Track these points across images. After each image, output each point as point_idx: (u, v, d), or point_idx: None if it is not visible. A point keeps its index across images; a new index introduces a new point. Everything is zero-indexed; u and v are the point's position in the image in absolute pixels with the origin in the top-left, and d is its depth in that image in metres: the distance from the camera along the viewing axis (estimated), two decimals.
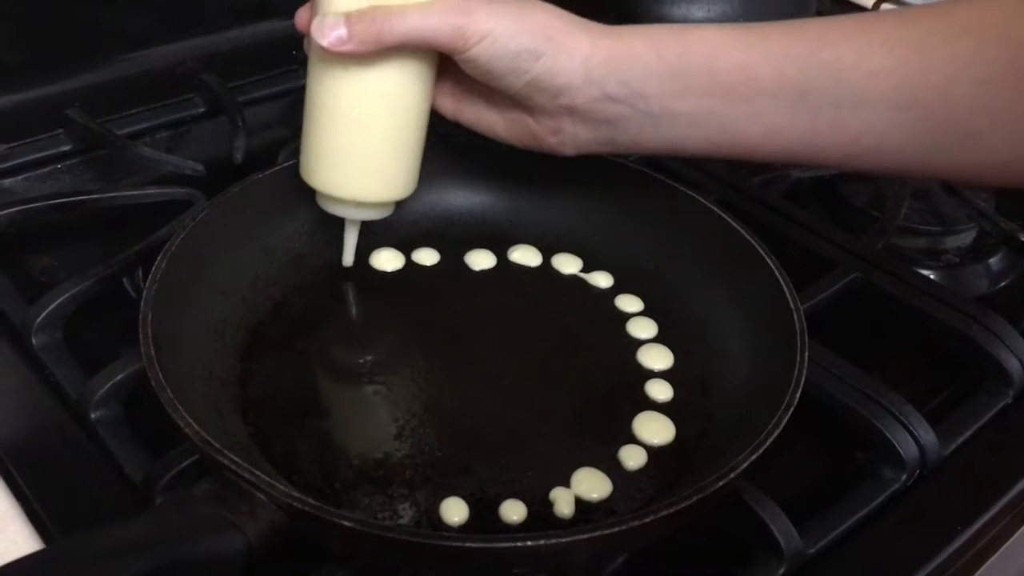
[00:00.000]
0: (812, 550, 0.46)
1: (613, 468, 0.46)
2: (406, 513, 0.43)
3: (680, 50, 0.46)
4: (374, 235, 0.57)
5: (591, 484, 0.45)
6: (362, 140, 0.50)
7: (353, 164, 0.50)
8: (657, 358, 0.52)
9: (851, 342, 0.56)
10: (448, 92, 0.52)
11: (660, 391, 0.50)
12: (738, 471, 0.40)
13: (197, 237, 0.50)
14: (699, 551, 0.48)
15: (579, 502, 0.45)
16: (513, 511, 0.43)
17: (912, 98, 0.44)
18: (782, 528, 0.45)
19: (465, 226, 0.58)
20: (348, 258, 0.55)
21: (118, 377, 0.49)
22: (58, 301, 0.53)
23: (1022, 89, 0.42)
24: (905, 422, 0.51)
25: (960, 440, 0.52)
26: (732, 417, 0.48)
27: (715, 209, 0.55)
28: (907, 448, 0.50)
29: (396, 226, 0.57)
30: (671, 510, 0.38)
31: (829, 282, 0.59)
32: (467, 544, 0.37)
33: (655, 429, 0.48)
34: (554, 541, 0.37)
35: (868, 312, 0.60)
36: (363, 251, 0.57)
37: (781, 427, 0.42)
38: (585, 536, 0.37)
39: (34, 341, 0.53)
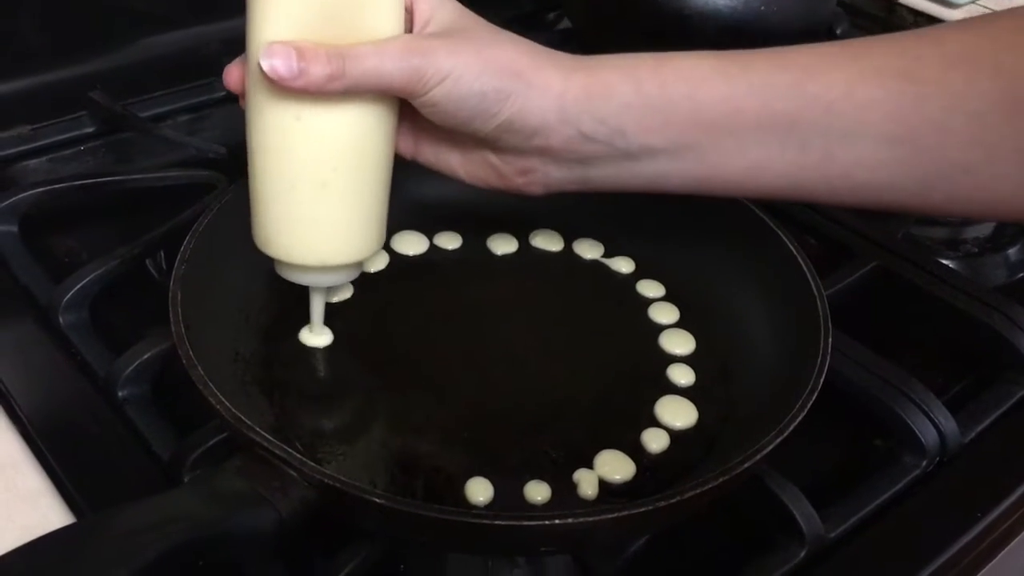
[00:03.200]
0: (833, 534, 0.47)
1: (636, 451, 0.46)
2: (431, 492, 0.44)
3: (659, 82, 0.43)
4: (398, 218, 0.57)
5: (614, 466, 0.45)
6: (321, 201, 0.44)
7: (314, 228, 0.45)
8: (679, 343, 0.52)
9: (871, 330, 0.56)
10: (406, 130, 0.47)
11: (682, 375, 0.50)
12: (763, 454, 0.40)
13: (224, 219, 0.50)
14: (721, 534, 0.49)
15: (602, 484, 0.45)
16: (537, 492, 0.44)
17: (905, 130, 0.42)
18: (804, 512, 0.46)
19: (487, 210, 0.58)
20: (317, 326, 0.50)
21: (145, 356, 0.50)
22: (85, 281, 0.54)
23: (1017, 122, 0.41)
24: (926, 409, 0.51)
25: (980, 428, 0.53)
26: (754, 402, 0.48)
27: None
28: (927, 435, 0.50)
29: (419, 210, 0.57)
30: (696, 491, 0.38)
31: (849, 270, 0.60)
32: (496, 522, 0.37)
33: (678, 412, 0.48)
34: (582, 520, 0.37)
35: (888, 301, 0.60)
36: (387, 233, 0.57)
37: (806, 411, 0.42)
38: (611, 516, 0.37)
39: (61, 320, 0.53)
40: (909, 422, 0.50)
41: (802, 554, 0.45)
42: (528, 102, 0.43)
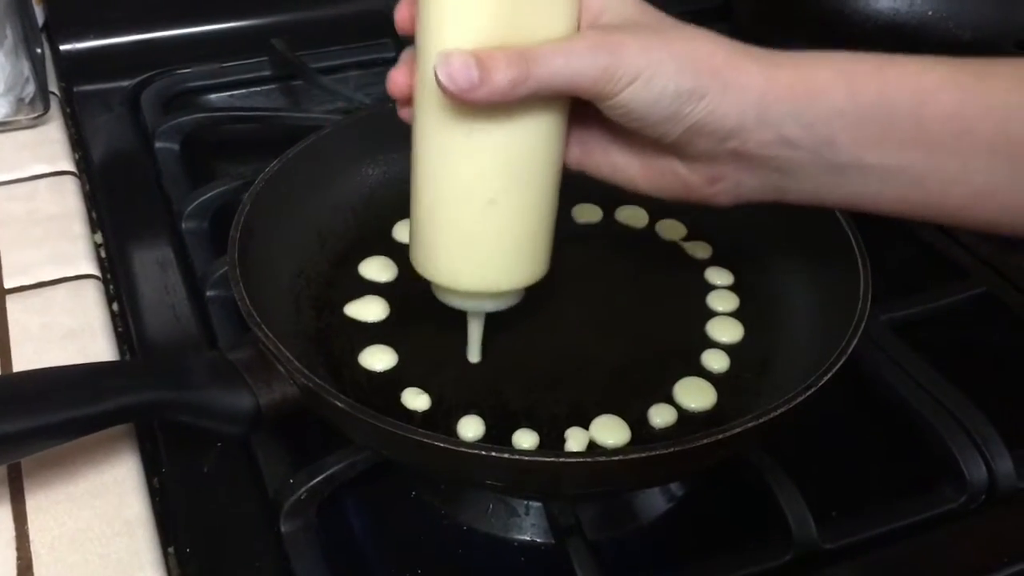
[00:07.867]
0: (831, 545, 0.44)
1: (638, 422, 0.46)
2: (426, 422, 0.46)
3: (878, 87, 0.38)
4: None
5: (610, 431, 0.45)
6: (491, 220, 0.41)
7: (482, 250, 0.42)
8: (725, 331, 0.51)
9: (959, 358, 0.52)
10: (573, 138, 0.43)
11: (715, 361, 0.49)
12: (728, 434, 0.39)
13: (320, 148, 0.55)
14: (722, 526, 0.48)
15: (592, 445, 0.45)
16: (524, 439, 0.45)
17: None
18: (797, 515, 0.44)
19: (577, 179, 0.59)
20: (475, 349, 0.49)
21: None
22: (207, 195, 0.61)
23: None
24: (979, 443, 0.47)
25: None
26: (777, 399, 0.46)
27: None
28: (974, 470, 0.47)
29: None
30: (643, 455, 0.38)
31: (952, 290, 0.56)
32: (434, 441, 0.38)
33: (695, 394, 0.47)
34: (511, 457, 0.38)
35: (990, 331, 0.55)
36: None
37: (795, 403, 0.41)
38: (548, 459, 0.38)
39: (183, 225, 0.61)
40: (955, 452, 0.47)
41: (788, 557, 0.44)
42: (724, 102, 0.38)
